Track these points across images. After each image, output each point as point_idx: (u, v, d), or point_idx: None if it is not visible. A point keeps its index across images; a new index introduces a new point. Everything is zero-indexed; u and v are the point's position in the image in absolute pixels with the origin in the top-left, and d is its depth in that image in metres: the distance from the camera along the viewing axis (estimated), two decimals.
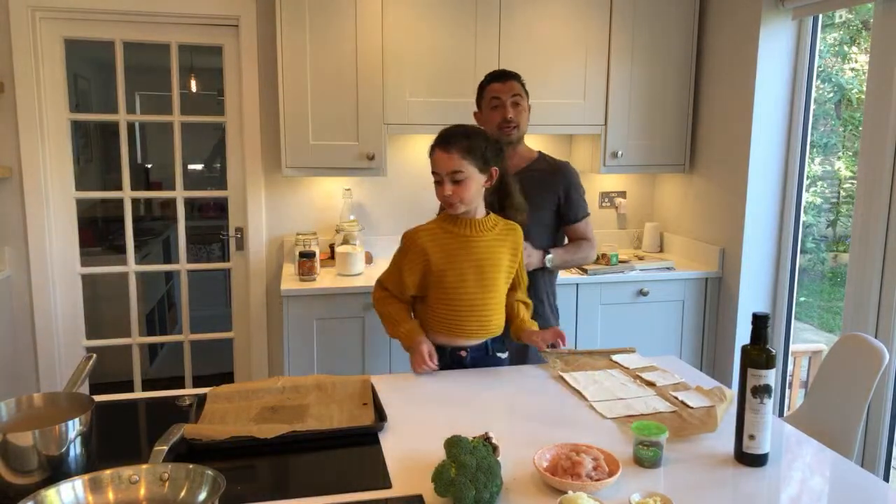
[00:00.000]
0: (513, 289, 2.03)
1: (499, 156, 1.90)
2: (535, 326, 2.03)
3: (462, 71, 3.01)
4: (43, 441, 1.20)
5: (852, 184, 3.10)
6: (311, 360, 2.83)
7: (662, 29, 3.19)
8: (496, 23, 3.01)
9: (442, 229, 1.90)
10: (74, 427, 1.24)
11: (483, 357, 1.98)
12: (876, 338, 2.06)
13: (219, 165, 5.74)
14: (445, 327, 1.93)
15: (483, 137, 1.88)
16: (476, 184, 1.84)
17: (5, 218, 2.97)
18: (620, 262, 3.12)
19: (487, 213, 1.94)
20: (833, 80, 3.33)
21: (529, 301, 2.10)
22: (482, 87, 2.39)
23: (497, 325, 1.97)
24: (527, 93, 2.37)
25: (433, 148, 1.87)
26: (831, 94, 3.37)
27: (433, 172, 1.85)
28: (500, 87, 2.32)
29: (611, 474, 1.26)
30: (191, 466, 1.17)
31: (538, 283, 2.32)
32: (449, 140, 1.84)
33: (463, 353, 1.95)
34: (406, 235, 1.93)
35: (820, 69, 2.97)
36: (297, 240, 3.02)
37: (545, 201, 2.34)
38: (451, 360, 1.95)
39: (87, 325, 3.19)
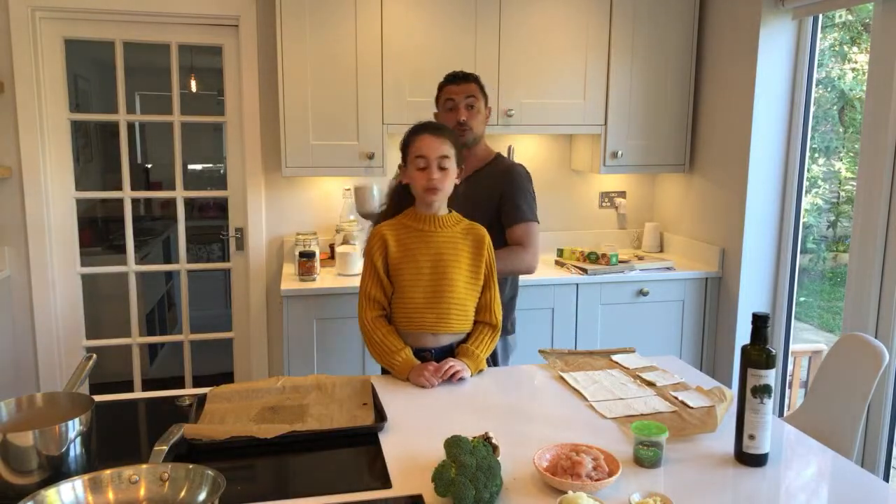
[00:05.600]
0: (480, 309, 1.94)
1: (462, 159, 1.93)
2: (467, 357, 1.88)
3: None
4: (43, 441, 1.20)
5: (852, 184, 3.10)
6: (311, 360, 2.83)
7: (662, 29, 3.19)
8: (496, 23, 3.01)
9: (402, 224, 1.92)
10: (74, 427, 1.24)
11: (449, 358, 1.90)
12: (876, 338, 2.06)
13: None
14: (405, 323, 1.89)
15: (456, 137, 1.95)
16: (452, 178, 1.88)
17: (5, 218, 2.97)
18: (620, 262, 3.12)
19: (450, 212, 1.94)
20: (835, 85, 3.32)
21: (496, 325, 1.96)
22: (440, 88, 2.37)
23: (459, 324, 1.91)
24: (485, 94, 2.35)
25: (418, 133, 1.87)
26: (836, 102, 3.37)
27: (418, 157, 1.84)
28: (455, 88, 2.30)
29: (611, 474, 1.26)
30: (191, 466, 1.17)
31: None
32: (439, 127, 1.90)
33: (427, 355, 1.90)
34: (371, 232, 1.95)
35: (821, 76, 2.97)
36: (297, 240, 3.02)
37: (487, 201, 2.30)
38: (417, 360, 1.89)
39: (87, 325, 3.19)
